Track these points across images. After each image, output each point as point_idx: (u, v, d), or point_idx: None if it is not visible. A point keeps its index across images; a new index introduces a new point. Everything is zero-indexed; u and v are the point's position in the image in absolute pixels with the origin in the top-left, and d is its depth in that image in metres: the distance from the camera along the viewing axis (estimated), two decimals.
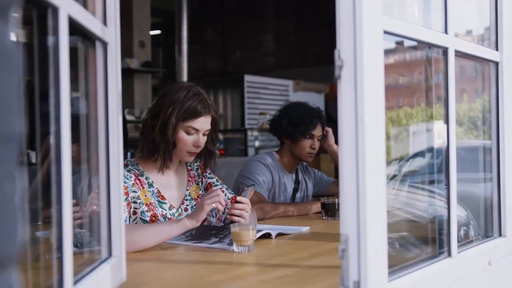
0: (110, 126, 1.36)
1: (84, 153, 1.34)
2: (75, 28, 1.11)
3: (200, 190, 2.40)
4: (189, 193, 2.35)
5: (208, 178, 2.43)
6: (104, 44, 1.35)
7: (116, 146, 1.38)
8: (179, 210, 2.28)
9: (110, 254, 1.37)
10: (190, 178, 2.38)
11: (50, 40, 1.01)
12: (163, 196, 2.25)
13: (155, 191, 2.23)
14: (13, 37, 0.60)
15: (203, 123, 2.22)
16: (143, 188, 2.19)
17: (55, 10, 0.99)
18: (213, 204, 1.98)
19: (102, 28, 1.32)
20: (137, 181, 2.19)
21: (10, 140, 0.56)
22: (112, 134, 1.36)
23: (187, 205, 2.32)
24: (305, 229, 2.36)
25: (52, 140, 1.00)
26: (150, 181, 2.24)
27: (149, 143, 2.21)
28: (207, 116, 2.22)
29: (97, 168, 1.36)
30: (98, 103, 1.35)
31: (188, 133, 2.20)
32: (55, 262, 1.02)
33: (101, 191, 1.36)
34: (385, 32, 1.25)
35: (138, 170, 2.23)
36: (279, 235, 2.19)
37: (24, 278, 0.76)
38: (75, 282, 1.08)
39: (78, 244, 1.34)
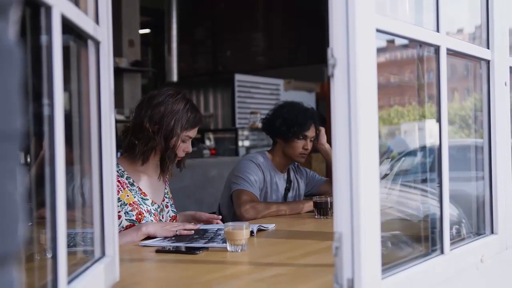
0: (103, 126, 1.35)
1: (76, 153, 1.33)
2: (67, 27, 1.10)
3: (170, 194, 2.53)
4: (167, 192, 2.46)
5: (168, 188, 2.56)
6: (97, 43, 1.34)
7: (109, 146, 1.37)
8: (161, 206, 2.38)
9: (103, 253, 1.36)
10: (166, 179, 2.47)
11: (43, 38, 1.00)
12: (144, 193, 2.31)
13: (137, 189, 2.29)
14: (13, 35, 0.59)
15: (196, 131, 2.35)
16: (124, 188, 2.23)
17: (48, 8, 0.98)
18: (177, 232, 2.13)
19: (95, 27, 1.31)
20: (117, 183, 2.19)
21: (11, 138, 0.56)
22: (105, 134, 1.36)
23: (167, 202, 2.43)
24: (271, 226, 2.38)
25: (45, 140, 1.00)
26: (131, 180, 2.28)
27: (149, 150, 2.25)
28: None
29: (90, 168, 1.36)
30: (91, 102, 1.34)
31: (184, 141, 2.30)
32: (48, 262, 1.01)
33: (94, 191, 1.35)
34: (378, 30, 1.25)
35: (118, 171, 2.24)
36: (259, 231, 2.24)
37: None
38: (69, 282, 1.08)
39: (70, 244, 1.33)
